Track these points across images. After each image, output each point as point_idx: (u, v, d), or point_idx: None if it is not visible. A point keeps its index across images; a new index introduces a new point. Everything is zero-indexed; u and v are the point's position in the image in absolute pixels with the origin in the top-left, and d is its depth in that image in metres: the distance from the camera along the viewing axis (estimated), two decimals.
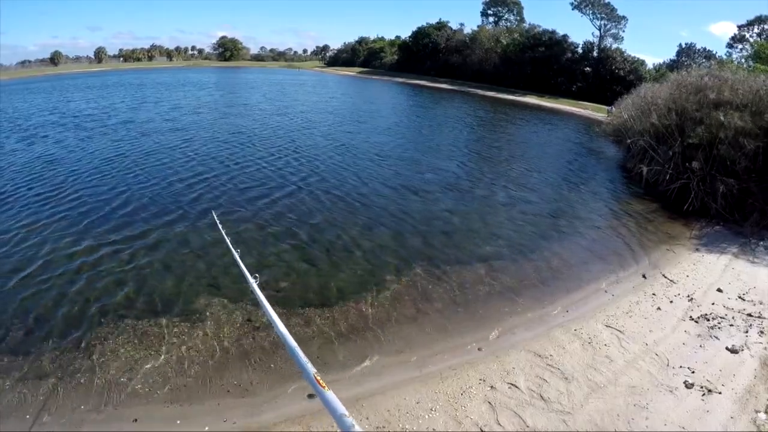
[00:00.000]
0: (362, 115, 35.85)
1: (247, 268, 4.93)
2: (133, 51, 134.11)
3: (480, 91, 64.50)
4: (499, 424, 6.15)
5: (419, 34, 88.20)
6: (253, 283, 4.37)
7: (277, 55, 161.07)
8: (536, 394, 6.81)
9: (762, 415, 6.89)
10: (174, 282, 9.70)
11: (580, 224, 14.86)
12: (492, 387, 6.89)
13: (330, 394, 2.60)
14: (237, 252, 5.41)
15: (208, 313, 8.63)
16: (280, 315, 8.14)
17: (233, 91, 50.88)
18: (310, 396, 6.33)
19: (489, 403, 6.53)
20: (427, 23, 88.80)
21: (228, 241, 6.05)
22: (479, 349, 7.97)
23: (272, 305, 3.76)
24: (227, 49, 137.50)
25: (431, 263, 11.07)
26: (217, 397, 6.72)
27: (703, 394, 7.27)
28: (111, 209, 13.65)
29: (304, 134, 26.53)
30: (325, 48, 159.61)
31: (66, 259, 10.57)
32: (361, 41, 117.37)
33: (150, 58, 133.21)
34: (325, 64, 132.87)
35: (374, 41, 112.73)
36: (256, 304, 8.44)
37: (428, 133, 30.28)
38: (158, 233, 12.01)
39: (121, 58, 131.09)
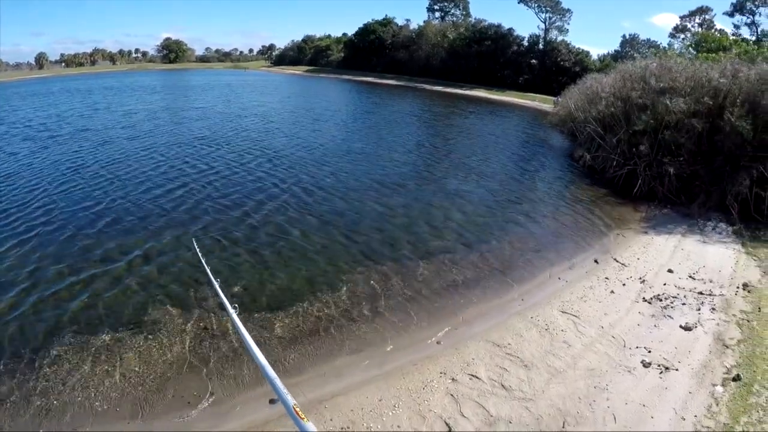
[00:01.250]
0: (317, 115, 35.61)
1: (217, 283, 5.14)
2: (75, 56, 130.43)
3: (428, 86, 66.13)
4: (463, 415, 6.24)
5: (365, 30, 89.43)
6: (233, 313, 4.41)
7: (223, 56, 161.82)
8: (497, 384, 6.95)
9: (719, 388, 7.25)
10: (127, 294, 9.33)
11: (531, 213, 15.31)
12: (453, 379, 6.99)
13: (310, 426, 2.66)
14: (217, 282, 5.46)
15: (162, 324, 8.32)
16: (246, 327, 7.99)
17: (185, 94, 49.46)
18: (272, 401, 6.30)
19: (451, 395, 6.62)
20: (373, 20, 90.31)
21: (208, 270, 6.09)
22: (438, 343, 8.06)
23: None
24: (172, 51, 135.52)
25: (386, 260, 11.12)
26: (180, 408, 6.54)
27: (661, 372, 7.58)
28: (72, 223, 12.97)
29: (266, 137, 26.18)
30: (272, 47, 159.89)
31: (13, 276, 10.00)
32: (308, 39, 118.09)
33: (93, 63, 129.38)
34: (271, 63, 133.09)
35: (320, 39, 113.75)
36: (211, 310, 8.47)
37: (382, 130, 30.57)
38: (116, 244, 11.54)
39: (63, 64, 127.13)
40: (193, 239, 8.99)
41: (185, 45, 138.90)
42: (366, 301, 9.18)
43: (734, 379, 7.44)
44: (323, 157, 21.33)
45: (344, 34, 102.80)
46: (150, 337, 7.92)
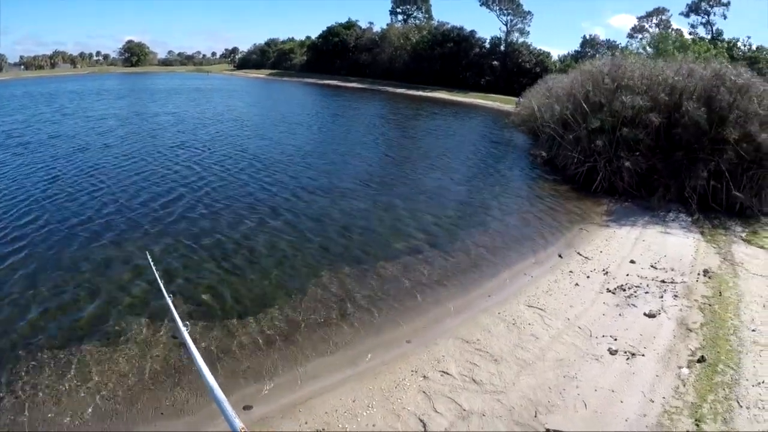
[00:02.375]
0: (288, 119, 35.39)
1: (170, 299, 5.06)
2: (35, 58, 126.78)
3: (391, 89, 67.41)
4: (437, 411, 6.41)
5: (329, 33, 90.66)
6: (184, 331, 4.41)
7: (186, 59, 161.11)
8: (468, 378, 7.15)
9: (685, 370, 7.64)
10: (93, 306, 9.05)
11: (496, 212, 15.72)
12: (425, 377, 7.15)
13: None
14: (170, 298, 5.43)
15: (130, 335, 8.14)
16: (205, 332, 8.00)
17: (153, 99, 48.04)
18: (246, 408, 6.38)
19: (424, 392, 6.77)
20: (336, 23, 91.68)
21: (162, 285, 6.04)
22: (408, 342, 8.23)
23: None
24: (134, 54, 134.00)
25: (354, 263, 11.23)
26: (153, 420, 6.45)
27: (628, 359, 7.92)
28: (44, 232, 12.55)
29: (244, 142, 25.91)
30: (235, 50, 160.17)
31: None
32: (271, 43, 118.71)
33: (53, 66, 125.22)
34: (234, 67, 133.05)
35: (284, 42, 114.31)
36: (158, 317, 8.43)
37: (350, 132, 30.96)
38: (81, 256, 11.18)
39: (23, 66, 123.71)
40: (147, 252, 8.81)
41: (147, 48, 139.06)
42: (335, 305, 9.27)
43: (699, 361, 7.83)
44: (296, 160, 21.41)
45: (308, 37, 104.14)
46: (121, 348, 7.81)
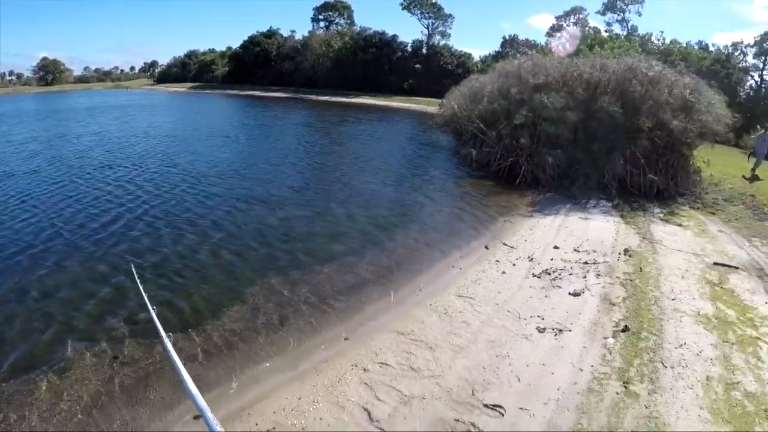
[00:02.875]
0: (216, 132, 34.12)
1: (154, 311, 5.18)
2: None
3: (314, 97, 67.65)
4: (379, 399, 6.60)
5: (250, 43, 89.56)
6: (167, 340, 4.60)
7: (104, 75, 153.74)
8: (407, 367, 7.36)
9: (610, 340, 8.01)
10: (49, 333, 8.59)
11: (423, 210, 16.02)
12: (365, 369, 7.32)
13: None
14: (154, 309, 5.68)
15: (71, 356, 7.83)
16: (149, 348, 7.80)
17: (76, 119, 43.70)
18: (196, 417, 6.33)
19: (365, 384, 6.96)
20: (258, 32, 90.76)
21: (146, 297, 6.22)
22: (346, 339, 8.38)
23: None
24: (49, 72, 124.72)
25: (289, 268, 11.21)
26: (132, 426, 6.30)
27: (556, 335, 8.22)
28: None
29: (177, 159, 24.52)
30: (154, 64, 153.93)
31: None
32: (191, 54, 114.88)
33: None
34: (154, 81, 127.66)
35: (204, 54, 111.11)
36: (115, 337, 8.28)
37: (278, 142, 30.75)
38: (27, 283, 10.51)
39: None
40: (132, 265, 9.04)
41: (63, 65, 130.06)
42: (273, 310, 9.30)
43: (623, 330, 8.22)
44: (229, 173, 20.94)
45: (229, 48, 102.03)
46: (67, 372, 7.47)
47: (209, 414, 3.04)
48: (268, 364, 7.75)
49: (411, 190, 18.84)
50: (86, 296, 9.86)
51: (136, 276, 7.46)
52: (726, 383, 6.89)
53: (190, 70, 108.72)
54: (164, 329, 7.90)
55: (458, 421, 6.14)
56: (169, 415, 6.65)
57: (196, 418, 6.37)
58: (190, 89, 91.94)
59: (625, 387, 6.77)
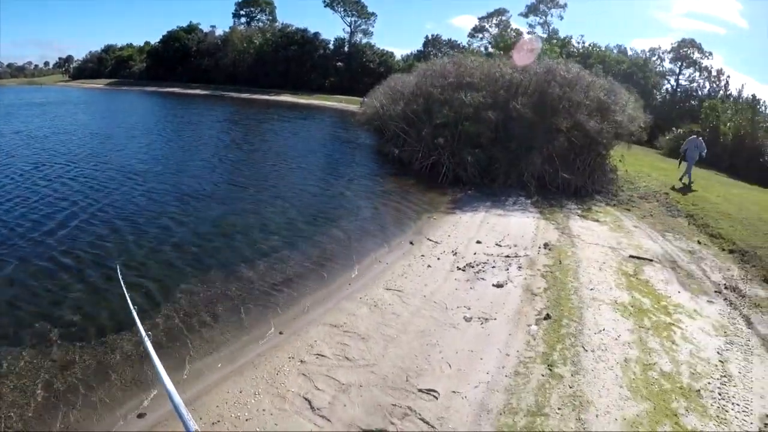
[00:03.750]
0: (137, 132, 32.36)
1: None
2: None
3: (235, 94, 66.63)
4: (318, 388, 6.81)
5: (169, 38, 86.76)
6: (146, 339, 4.38)
7: (16, 71, 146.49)
8: (342, 357, 7.61)
9: (534, 327, 8.48)
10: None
11: (349, 208, 16.21)
12: (302, 361, 7.49)
13: None
14: (135, 309, 5.31)
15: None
16: (83, 350, 7.70)
17: None
18: (140, 416, 6.42)
19: (304, 374, 7.14)
20: (177, 27, 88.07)
21: (127, 296, 5.72)
22: (281, 333, 8.51)
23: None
24: None
25: (217, 269, 11.08)
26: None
27: (482, 323, 8.62)
28: None
29: (108, 157, 23.13)
30: (69, 59, 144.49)
31: None
32: (108, 50, 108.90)
33: None
34: (70, 77, 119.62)
35: (122, 49, 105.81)
36: (40, 344, 7.99)
37: (201, 141, 29.83)
38: None
39: None
40: (117, 265, 8.83)
41: None
42: (205, 310, 9.26)
43: (545, 318, 8.72)
44: (156, 171, 20.37)
45: (147, 43, 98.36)
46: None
47: (184, 411, 3.05)
48: (206, 361, 7.79)
49: (337, 189, 19.02)
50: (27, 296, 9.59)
51: (120, 276, 7.29)
52: (643, 364, 7.49)
53: (107, 66, 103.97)
54: (91, 335, 8.06)
55: (395, 405, 6.41)
56: (113, 414, 6.58)
57: (140, 416, 6.42)
58: (107, 86, 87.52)
59: (550, 369, 7.22)
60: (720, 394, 6.95)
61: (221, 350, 8.10)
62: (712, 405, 6.69)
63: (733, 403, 6.76)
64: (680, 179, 19.99)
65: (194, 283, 10.39)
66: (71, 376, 7.28)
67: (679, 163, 20.77)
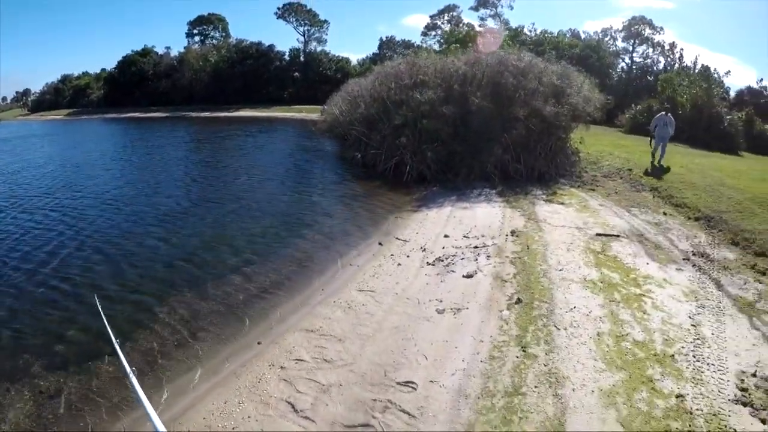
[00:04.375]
0: (102, 157, 32.44)
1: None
2: None
3: (194, 114, 66.04)
4: (300, 392, 6.94)
5: (125, 63, 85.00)
6: (131, 375, 4.59)
7: None
8: (320, 359, 7.73)
9: (506, 312, 8.59)
10: None
11: (317, 216, 16.27)
12: (282, 367, 7.61)
13: None
14: (117, 342, 5.59)
15: None
16: (67, 378, 7.79)
17: None
18: None
19: (285, 380, 7.26)
20: (132, 51, 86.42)
21: (109, 329, 6.02)
22: (259, 343, 8.62)
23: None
24: None
25: (192, 285, 11.17)
26: None
27: (455, 314, 8.71)
28: None
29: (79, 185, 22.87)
30: (27, 92, 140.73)
31: None
32: (65, 79, 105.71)
33: None
34: (28, 110, 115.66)
35: (78, 77, 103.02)
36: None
37: (165, 163, 29.67)
38: None
39: None
40: (95, 295, 8.59)
41: None
42: (183, 326, 9.38)
43: (516, 302, 8.83)
44: (129, 195, 20.35)
45: (103, 70, 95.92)
46: None
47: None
48: (189, 377, 7.87)
49: (303, 197, 19.12)
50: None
51: (99, 307, 7.25)
52: (616, 336, 7.64)
53: (65, 96, 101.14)
54: (74, 360, 8.17)
55: (375, 400, 6.53)
56: None
57: None
58: (67, 116, 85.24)
59: (524, 351, 7.31)
60: (695, 357, 7.12)
61: (203, 365, 8.15)
62: (687, 368, 6.85)
63: (708, 364, 6.94)
64: (654, 162, 19.30)
65: (171, 301, 10.43)
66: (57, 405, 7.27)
67: (651, 143, 19.97)
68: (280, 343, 8.45)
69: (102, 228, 15.64)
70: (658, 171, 18.36)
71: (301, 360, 7.77)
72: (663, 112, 20.35)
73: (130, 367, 5.12)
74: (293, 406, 6.64)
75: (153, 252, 13.57)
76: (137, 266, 12.49)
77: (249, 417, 6.54)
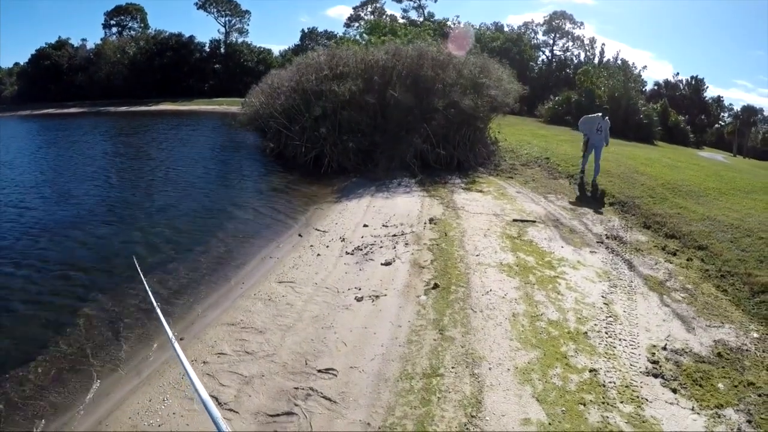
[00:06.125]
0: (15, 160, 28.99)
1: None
2: None
3: (113, 108, 62.60)
4: (223, 385, 6.88)
5: (38, 57, 78.37)
6: (174, 342, 4.32)
7: None
8: (242, 352, 7.67)
9: (423, 297, 8.68)
10: None
11: (235, 211, 15.98)
12: (205, 362, 7.52)
13: None
14: (158, 306, 5.45)
15: None
16: None
17: None
18: None
19: (208, 374, 7.19)
20: (46, 44, 79.84)
21: (150, 294, 5.99)
22: (181, 339, 8.45)
23: None
24: None
25: (111, 286, 10.81)
26: None
27: (373, 301, 8.73)
28: None
29: None
30: None
31: None
32: None
33: None
34: None
35: None
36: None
37: (83, 160, 27.82)
38: None
39: None
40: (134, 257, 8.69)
41: None
42: (105, 327, 9.16)
43: (434, 288, 8.93)
44: (40, 196, 18.93)
45: (17, 64, 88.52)
46: None
47: (219, 418, 2.86)
48: (113, 377, 7.70)
49: (223, 191, 18.85)
50: None
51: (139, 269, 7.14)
52: (531, 316, 7.88)
53: None
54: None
55: (297, 388, 6.55)
56: None
57: None
58: None
59: (441, 334, 7.41)
60: (607, 333, 7.45)
61: (125, 366, 7.96)
62: (600, 344, 7.15)
63: (620, 339, 7.29)
64: (583, 176, 16.42)
65: (89, 304, 10.03)
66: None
67: (583, 152, 16.35)
68: (202, 338, 8.35)
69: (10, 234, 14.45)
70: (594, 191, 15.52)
71: (223, 354, 7.72)
72: (599, 114, 15.78)
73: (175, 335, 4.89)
74: (217, 399, 6.59)
75: (69, 255, 12.82)
76: (51, 270, 11.84)
77: (174, 413, 6.49)
